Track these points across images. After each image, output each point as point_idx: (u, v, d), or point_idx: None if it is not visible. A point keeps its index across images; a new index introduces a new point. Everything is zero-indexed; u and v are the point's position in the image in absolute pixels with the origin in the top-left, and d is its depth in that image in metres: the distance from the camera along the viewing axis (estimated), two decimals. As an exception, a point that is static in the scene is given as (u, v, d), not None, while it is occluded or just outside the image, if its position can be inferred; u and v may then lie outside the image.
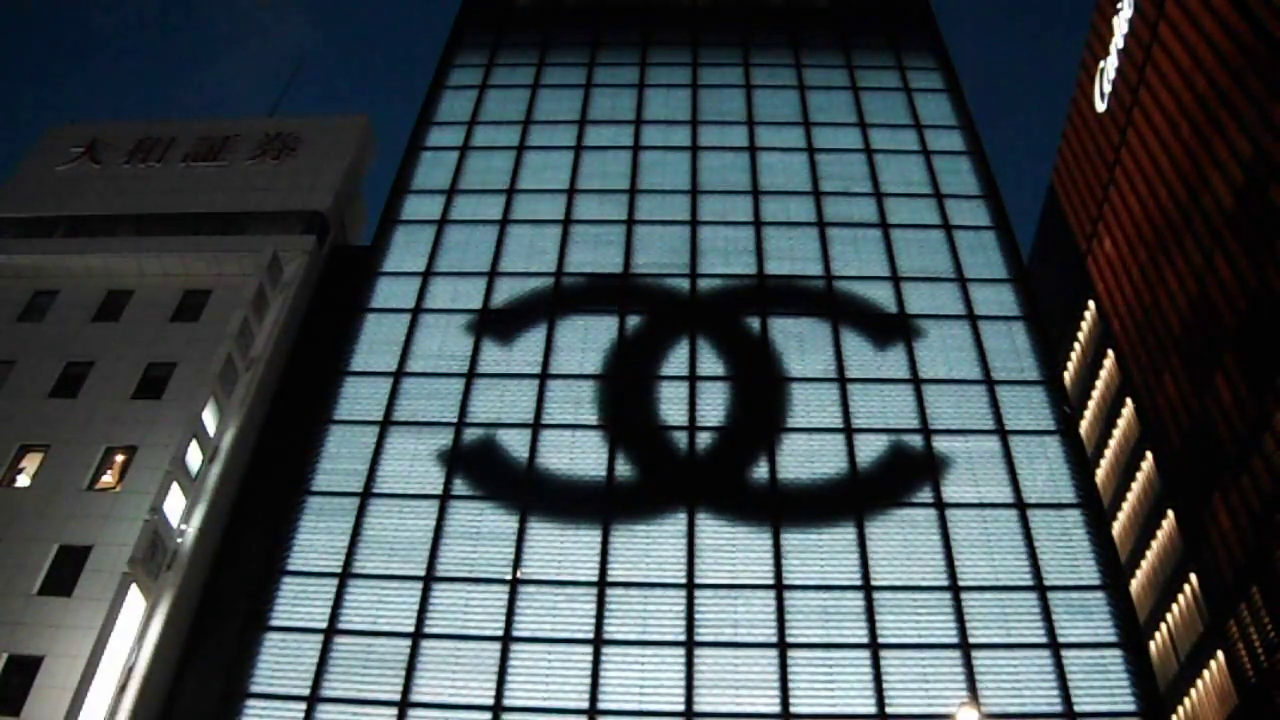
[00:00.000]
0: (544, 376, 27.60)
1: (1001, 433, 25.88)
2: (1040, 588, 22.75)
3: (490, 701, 21.27)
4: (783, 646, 21.77)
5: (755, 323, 28.74)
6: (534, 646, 22.14)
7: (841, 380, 27.11)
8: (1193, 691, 32.86)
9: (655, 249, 31.20)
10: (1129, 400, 39.19)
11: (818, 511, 24.27)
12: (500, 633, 22.36)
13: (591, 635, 22.17)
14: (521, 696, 21.38)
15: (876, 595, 22.60)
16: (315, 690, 21.76)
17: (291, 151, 37.75)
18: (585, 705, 21.06)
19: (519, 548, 23.88)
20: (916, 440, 25.70)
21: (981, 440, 25.76)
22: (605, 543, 23.83)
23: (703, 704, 21.02)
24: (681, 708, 20.94)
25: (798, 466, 25.17)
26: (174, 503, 26.50)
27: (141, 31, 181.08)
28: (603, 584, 23.08)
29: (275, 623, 23.19)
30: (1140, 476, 38.09)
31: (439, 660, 22.13)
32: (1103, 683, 21.26)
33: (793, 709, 20.80)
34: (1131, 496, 38.91)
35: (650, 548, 23.72)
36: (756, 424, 26.21)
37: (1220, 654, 30.80)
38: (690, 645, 21.89)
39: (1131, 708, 20.94)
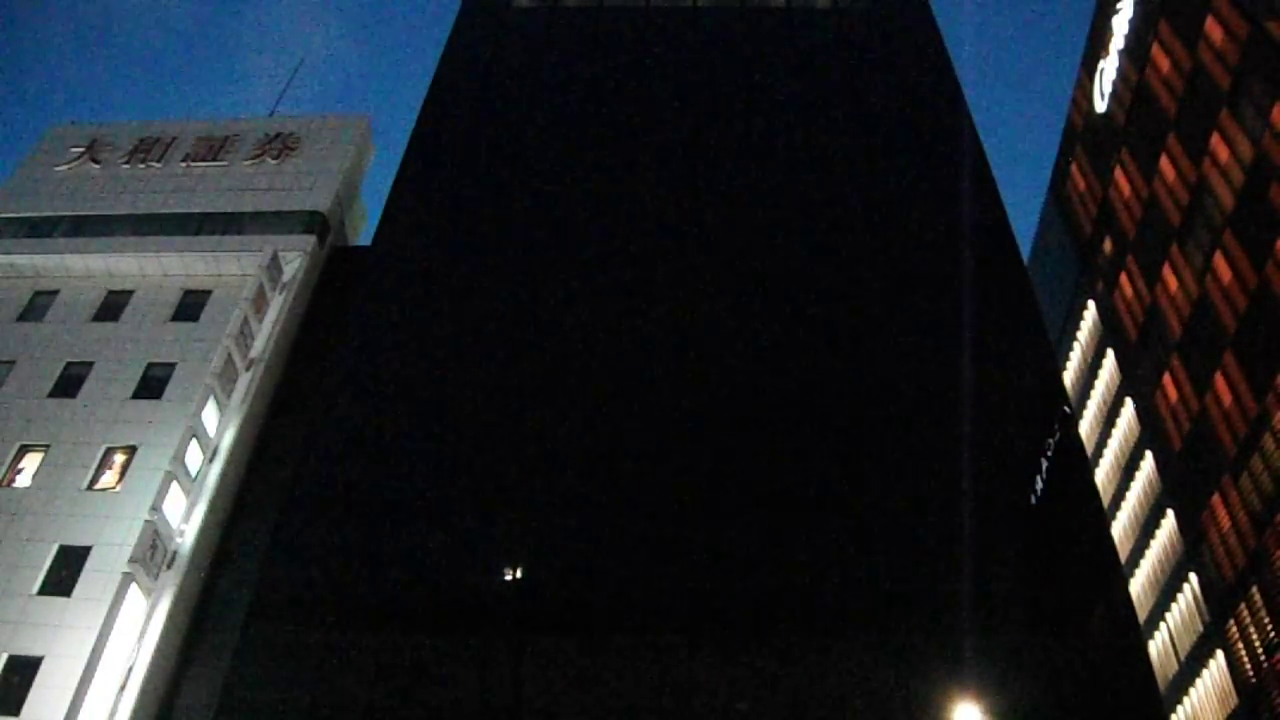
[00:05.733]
0: (544, 377, 27.56)
1: (1002, 433, 25.83)
2: (1040, 588, 22.73)
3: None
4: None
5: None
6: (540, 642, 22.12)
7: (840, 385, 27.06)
8: (1193, 691, 32.88)
9: (656, 248, 31.17)
10: (1129, 400, 39.20)
11: (818, 512, 24.24)
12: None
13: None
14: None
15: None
16: (315, 690, 21.71)
17: (291, 152, 37.80)
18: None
19: (519, 549, 23.84)
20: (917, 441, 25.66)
21: (982, 441, 25.70)
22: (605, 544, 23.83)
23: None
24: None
25: (805, 468, 25.11)
26: (174, 503, 26.52)
27: (156, 33, 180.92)
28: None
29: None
30: (1140, 476, 38.09)
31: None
32: (1102, 683, 21.25)
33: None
34: (1131, 496, 38.91)
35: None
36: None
37: (1220, 654, 30.81)
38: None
39: (1131, 708, 20.94)
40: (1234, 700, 29.71)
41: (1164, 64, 35.96)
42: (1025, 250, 45.71)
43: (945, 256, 30.53)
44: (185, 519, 26.90)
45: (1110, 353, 41.51)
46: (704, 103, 37.25)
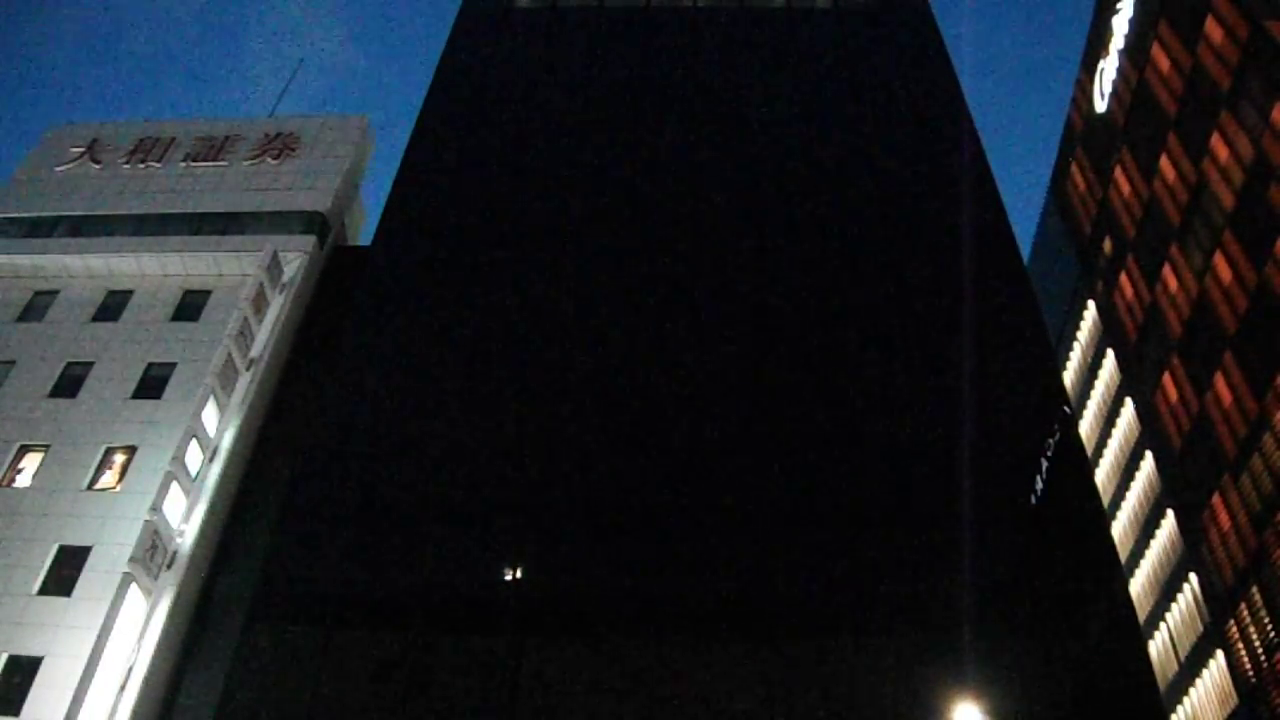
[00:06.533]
0: (543, 377, 27.56)
1: (1002, 433, 25.83)
2: (1039, 588, 22.73)
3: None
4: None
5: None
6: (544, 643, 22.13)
7: (840, 385, 27.08)
8: (1193, 691, 32.88)
9: (655, 248, 31.17)
10: (1129, 400, 39.20)
11: (818, 512, 24.25)
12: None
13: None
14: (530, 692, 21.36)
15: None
16: (315, 690, 21.72)
17: (291, 152, 37.81)
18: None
19: (519, 549, 23.84)
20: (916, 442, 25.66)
21: (982, 441, 25.70)
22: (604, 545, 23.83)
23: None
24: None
25: (805, 468, 25.12)
26: (174, 503, 26.53)
27: (156, 34, 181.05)
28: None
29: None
30: (1140, 476, 38.10)
31: (439, 660, 22.11)
32: (1102, 683, 21.25)
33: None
34: (1131, 496, 38.92)
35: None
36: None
37: (1220, 654, 30.81)
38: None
39: (1131, 708, 20.93)
40: (1234, 700, 29.71)
41: (1164, 64, 35.96)
42: (1025, 250, 45.77)
43: (945, 257, 30.53)
44: (185, 519, 26.90)
45: (1110, 353, 41.51)
46: (704, 103, 37.24)
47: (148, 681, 24.04)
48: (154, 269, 34.31)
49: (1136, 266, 38.28)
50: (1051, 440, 25.93)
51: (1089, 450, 37.18)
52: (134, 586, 24.51)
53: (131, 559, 24.56)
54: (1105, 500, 37.25)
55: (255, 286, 31.74)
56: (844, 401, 26.55)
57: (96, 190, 37.13)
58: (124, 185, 37.19)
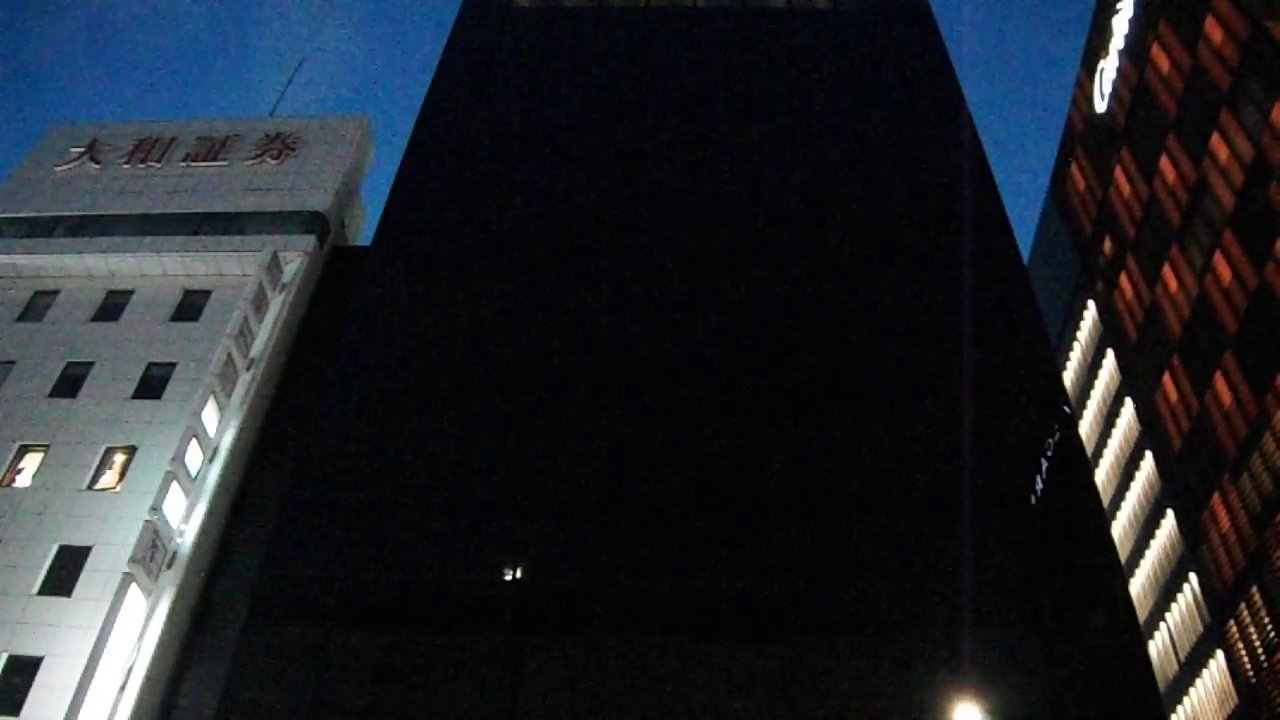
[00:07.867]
0: (543, 377, 27.56)
1: (1002, 434, 25.82)
2: (1039, 588, 22.73)
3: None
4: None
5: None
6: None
7: (840, 385, 27.07)
8: (1193, 691, 32.89)
9: (656, 248, 31.16)
10: (1129, 400, 39.21)
11: (818, 512, 24.24)
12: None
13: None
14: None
15: (876, 595, 22.56)
16: (315, 690, 21.70)
17: (292, 152, 37.80)
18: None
19: (519, 549, 23.84)
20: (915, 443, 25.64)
21: (982, 441, 25.69)
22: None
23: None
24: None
25: (805, 469, 25.12)
26: (174, 503, 26.53)
27: (157, 34, 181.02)
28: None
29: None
30: (1140, 476, 38.11)
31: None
32: (1102, 683, 21.25)
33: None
34: (1131, 496, 38.93)
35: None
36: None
37: (1220, 654, 30.82)
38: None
39: (1131, 708, 20.93)
40: (1234, 700, 29.72)
41: (1164, 64, 35.96)
42: (1025, 250, 45.74)
43: (946, 257, 30.53)
44: (185, 519, 26.90)
45: (1110, 353, 41.52)
46: (704, 102, 37.24)
47: (148, 681, 24.04)
48: (154, 269, 34.31)
49: (1136, 266, 38.28)
50: (1051, 440, 25.93)
51: (1089, 450, 37.20)
52: (134, 586, 24.51)
53: (131, 559, 24.55)
54: (1105, 500, 37.27)
55: (255, 286, 31.74)
56: (844, 402, 26.53)
57: (96, 190, 37.12)
58: (124, 185, 37.18)
